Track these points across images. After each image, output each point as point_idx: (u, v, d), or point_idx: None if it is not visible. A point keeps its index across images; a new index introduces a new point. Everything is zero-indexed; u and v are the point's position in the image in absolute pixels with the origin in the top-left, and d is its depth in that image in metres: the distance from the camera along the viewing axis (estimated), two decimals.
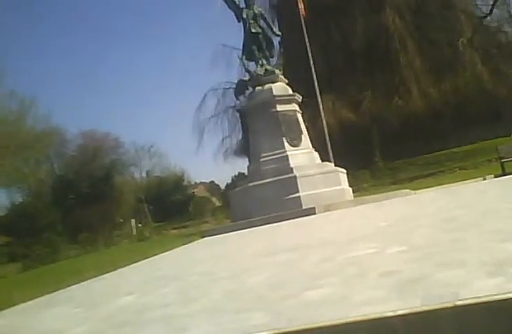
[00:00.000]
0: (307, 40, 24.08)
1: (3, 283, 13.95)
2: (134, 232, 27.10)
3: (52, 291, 6.43)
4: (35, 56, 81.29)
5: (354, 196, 15.66)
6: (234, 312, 2.82)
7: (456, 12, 34.12)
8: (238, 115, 34.46)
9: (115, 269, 7.97)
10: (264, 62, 16.58)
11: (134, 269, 7.80)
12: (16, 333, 3.97)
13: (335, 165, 16.31)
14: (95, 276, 7.40)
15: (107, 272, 7.73)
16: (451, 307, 2.03)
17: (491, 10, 35.41)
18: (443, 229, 4.45)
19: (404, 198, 12.19)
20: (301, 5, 23.95)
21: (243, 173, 28.86)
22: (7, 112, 27.97)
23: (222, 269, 5.09)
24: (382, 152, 31.93)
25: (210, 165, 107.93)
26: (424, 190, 14.10)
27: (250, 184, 14.94)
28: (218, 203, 50.77)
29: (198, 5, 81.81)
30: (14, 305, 5.76)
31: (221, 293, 3.59)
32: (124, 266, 8.28)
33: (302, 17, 24.06)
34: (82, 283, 6.91)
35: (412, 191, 13.69)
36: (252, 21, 16.39)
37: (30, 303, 5.85)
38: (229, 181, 48.24)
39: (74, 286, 6.75)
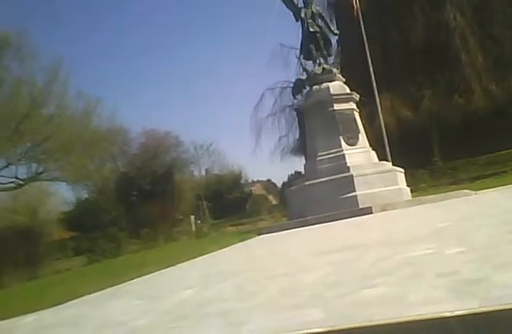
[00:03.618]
0: (365, 38, 23.76)
1: (70, 275, 14.55)
2: (193, 228, 27.51)
3: (115, 284, 6.69)
4: (99, 56, 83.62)
5: (412, 196, 15.39)
6: (290, 308, 2.87)
7: None
8: (295, 114, 34.42)
9: (175, 264, 8.18)
10: (322, 61, 16.54)
11: (193, 264, 7.99)
12: (82, 322, 4.17)
13: (393, 165, 16.07)
14: (156, 271, 7.62)
15: (167, 267, 7.96)
16: (510, 309, 2.02)
17: None
18: (503, 230, 4.35)
19: (464, 199, 11.89)
20: (355, 6, 23.62)
21: (300, 172, 28.85)
22: (74, 112, 29.15)
23: (279, 266, 5.15)
24: (441, 152, 31.03)
25: (267, 163, 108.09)
26: (486, 190, 13.68)
27: (307, 183, 14.95)
28: (274, 201, 50.79)
29: (257, 5, 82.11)
30: (80, 296, 6.03)
31: (277, 290, 3.65)
32: (184, 261, 8.49)
33: (359, 16, 23.75)
34: (143, 277, 7.15)
35: (473, 192, 13.32)
36: (310, 21, 16.38)
37: (94, 294, 6.11)
38: (286, 179, 48.12)
39: (135, 279, 6.98)
